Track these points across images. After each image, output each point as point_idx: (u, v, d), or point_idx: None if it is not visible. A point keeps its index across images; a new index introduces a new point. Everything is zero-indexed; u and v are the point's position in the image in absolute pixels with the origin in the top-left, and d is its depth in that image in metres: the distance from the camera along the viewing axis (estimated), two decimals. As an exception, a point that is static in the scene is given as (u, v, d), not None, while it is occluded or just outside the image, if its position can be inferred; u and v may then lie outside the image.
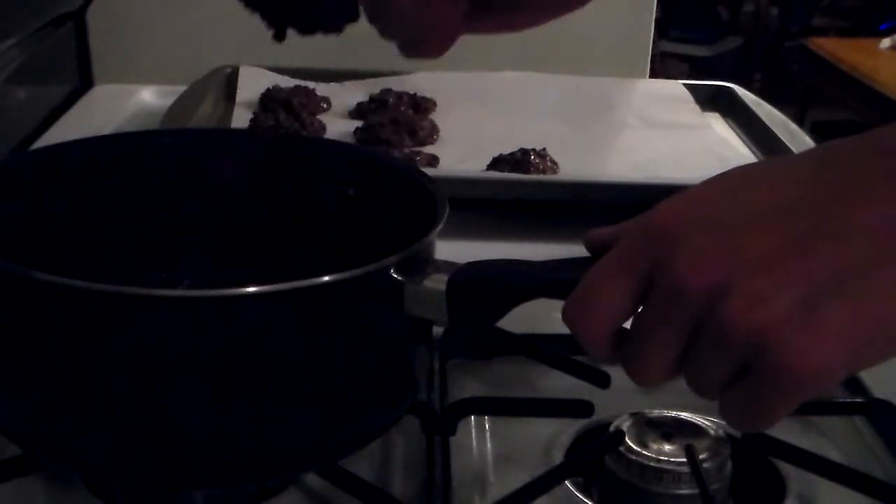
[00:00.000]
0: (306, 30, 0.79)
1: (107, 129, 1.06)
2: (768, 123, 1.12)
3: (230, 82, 1.18)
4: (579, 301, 0.46)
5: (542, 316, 0.52)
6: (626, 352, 0.46)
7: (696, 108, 1.18)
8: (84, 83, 1.28)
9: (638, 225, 0.45)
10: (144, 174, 0.66)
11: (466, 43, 0.66)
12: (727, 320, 0.41)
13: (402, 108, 1.11)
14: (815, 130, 1.63)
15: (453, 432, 0.61)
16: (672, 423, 0.57)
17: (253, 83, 1.16)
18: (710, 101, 1.21)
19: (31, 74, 1.11)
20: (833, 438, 0.63)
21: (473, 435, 0.62)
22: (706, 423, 0.57)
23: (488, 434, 0.62)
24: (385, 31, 0.63)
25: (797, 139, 1.07)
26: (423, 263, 0.51)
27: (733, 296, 0.41)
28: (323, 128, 1.07)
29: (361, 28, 0.65)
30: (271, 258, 0.65)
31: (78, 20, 1.26)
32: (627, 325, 0.46)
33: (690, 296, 0.42)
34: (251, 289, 0.47)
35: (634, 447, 0.55)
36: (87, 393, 0.49)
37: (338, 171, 0.65)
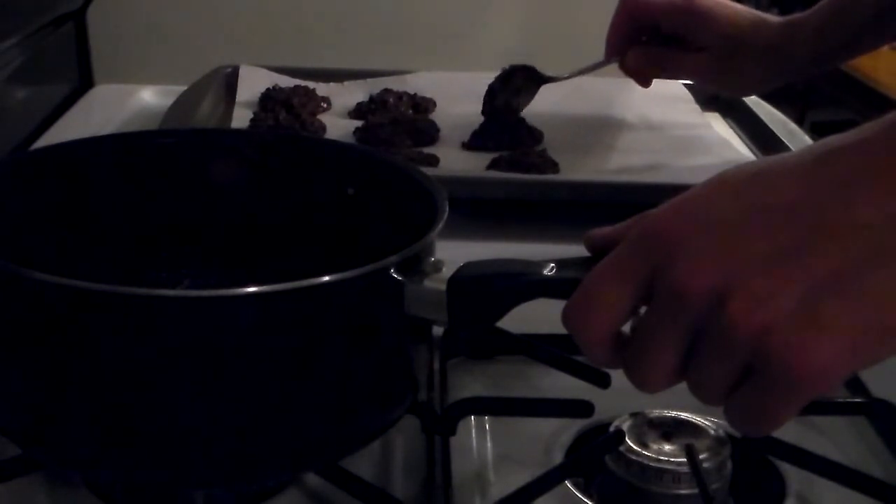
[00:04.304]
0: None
1: (107, 129, 1.06)
2: (768, 123, 1.12)
3: (230, 82, 1.18)
4: (579, 306, 0.46)
5: (542, 316, 0.52)
6: (628, 357, 0.46)
7: (697, 108, 1.18)
8: (84, 83, 1.28)
9: (637, 228, 0.45)
10: (144, 174, 0.66)
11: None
12: (728, 322, 0.41)
13: (402, 108, 1.11)
14: (814, 130, 1.63)
15: (453, 432, 0.61)
16: (672, 423, 0.57)
17: (253, 83, 1.15)
18: (710, 101, 1.21)
19: (31, 74, 1.11)
20: (833, 438, 0.63)
21: (473, 435, 0.62)
22: (706, 423, 0.57)
23: (488, 434, 0.62)
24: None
25: (797, 139, 1.07)
26: (423, 263, 0.51)
27: (734, 298, 0.41)
28: (323, 128, 1.07)
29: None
30: (271, 258, 0.65)
31: (78, 20, 1.26)
32: (627, 328, 0.46)
33: (691, 299, 0.42)
34: (251, 289, 0.47)
35: (634, 447, 0.55)
36: (87, 393, 0.49)
37: (338, 171, 0.65)
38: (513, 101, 1.07)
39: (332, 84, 1.18)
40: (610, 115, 1.14)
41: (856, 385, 0.65)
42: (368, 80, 1.19)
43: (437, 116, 1.11)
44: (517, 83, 1.07)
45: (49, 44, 1.17)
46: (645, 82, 1.06)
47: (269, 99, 1.11)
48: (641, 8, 1.01)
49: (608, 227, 0.49)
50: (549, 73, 1.07)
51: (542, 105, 1.09)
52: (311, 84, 1.16)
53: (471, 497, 0.57)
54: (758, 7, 1.02)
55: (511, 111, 1.07)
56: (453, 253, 0.53)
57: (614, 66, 1.04)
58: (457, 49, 1.49)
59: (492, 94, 1.07)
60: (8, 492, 0.55)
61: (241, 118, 1.08)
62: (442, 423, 0.61)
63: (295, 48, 1.43)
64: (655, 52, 1.02)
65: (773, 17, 1.00)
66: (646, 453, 0.55)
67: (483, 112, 1.07)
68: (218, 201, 0.66)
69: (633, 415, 0.57)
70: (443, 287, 0.50)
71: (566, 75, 1.06)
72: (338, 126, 1.08)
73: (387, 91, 1.14)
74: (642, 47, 1.02)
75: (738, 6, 1.00)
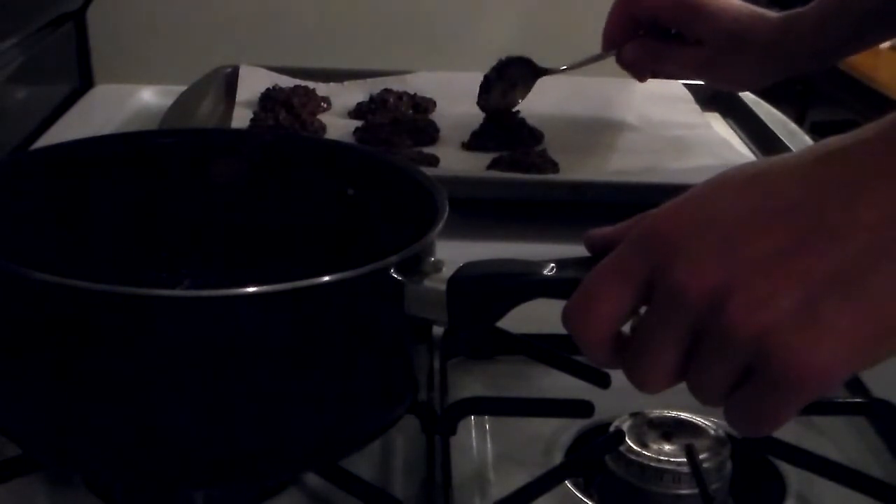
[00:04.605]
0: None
1: (107, 129, 1.06)
2: (768, 123, 1.12)
3: (230, 82, 1.18)
4: (579, 307, 0.46)
5: (542, 316, 0.52)
6: (628, 358, 0.46)
7: (697, 107, 1.18)
8: (84, 83, 1.28)
9: (637, 228, 0.45)
10: (144, 174, 0.66)
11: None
12: (728, 324, 0.41)
13: (402, 108, 1.11)
14: (814, 130, 1.63)
15: (453, 432, 0.61)
16: (672, 423, 0.57)
17: (253, 83, 1.15)
18: (710, 101, 1.21)
19: (31, 74, 1.11)
20: (833, 438, 0.63)
21: (473, 435, 0.62)
22: (706, 423, 0.57)
23: (488, 434, 0.62)
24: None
25: (797, 139, 1.07)
26: (423, 263, 0.51)
27: (734, 298, 0.41)
28: (323, 128, 1.07)
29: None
30: (271, 258, 0.65)
31: (78, 20, 1.26)
32: (627, 328, 0.46)
33: (690, 300, 0.42)
34: (251, 289, 0.47)
35: (634, 447, 0.55)
36: (87, 393, 0.49)
37: (338, 171, 0.65)
38: (509, 94, 1.07)
39: (332, 84, 1.18)
40: (610, 116, 1.14)
41: (856, 385, 0.65)
42: (368, 80, 1.19)
43: (437, 116, 1.11)
44: (513, 75, 1.07)
45: (49, 44, 1.17)
46: (642, 76, 1.05)
47: (269, 99, 1.11)
48: (639, 1, 1.00)
49: (608, 227, 0.49)
50: (546, 66, 1.07)
51: (543, 105, 1.09)
52: (311, 84, 1.16)
53: (471, 497, 0.57)
54: (757, 3, 1.02)
55: (507, 104, 1.07)
56: (453, 253, 0.53)
57: (612, 64, 1.04)
58: (457, 49, 1.49)
59: (487, 84, 1.07)
60: (8, 492, 0.55)
61: (241, 118, 1.08)
62: (442, 423, 0.61)
63: (295, 48, 1.43)
64: (653, 46, 1.02)
65: (771, 13, 1.00)
66: (646, 453, 0.55)
67: (478, 103, 1.07)
68: (218, 201, 0.66)
69: (633, 415, 0.57)
70: (443, 287, 0.50)
71: (563, 67, 1.06)
72: (338, 126, 1.08)
73: (387, 91, 1.14)
74: (640, 40, 1.02)
75: (737, 1, 1.00)
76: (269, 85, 1.14)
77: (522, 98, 1.08)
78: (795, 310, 0.41)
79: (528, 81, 1.07)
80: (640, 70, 1.04)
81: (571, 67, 1.05)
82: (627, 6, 1.01)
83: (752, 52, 0.98)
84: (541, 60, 1.08)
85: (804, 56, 0.98)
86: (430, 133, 1.06)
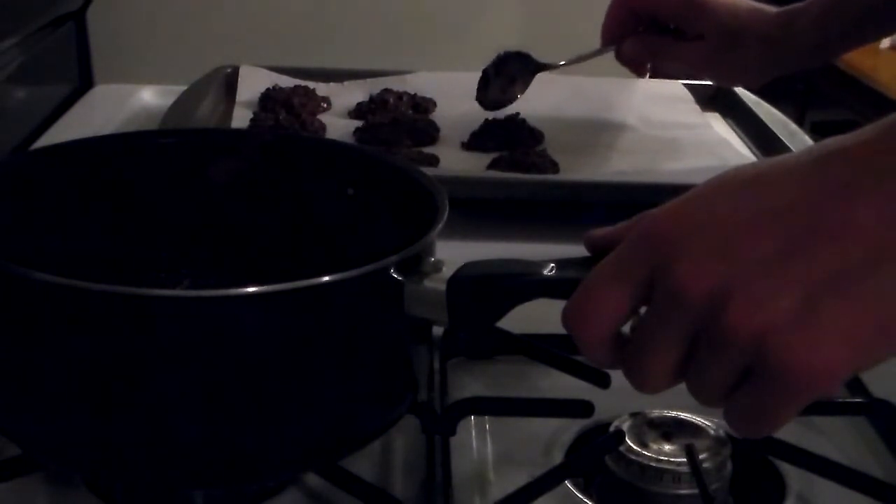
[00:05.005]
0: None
1: (107, 129, 1.06)
2: (768, 123, 1.11)
3: (230, 82, 1.18)
4: (578, 307, 0.46)
5: (542, 316, 0.52)
6: (627, 358, 0.46)
7: (696, 107, 1.18)
8: (84, 83, 1.28)
9: (637, 229, 0.45)
10: (144, 174, 0.66)
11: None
12: (728, 325, 0.41)
13: (402, 108, 1.11)
14: (814, 130, 1.63)
15: (453, 432, 0.61)
16: (672, 423, 0.57)
17: (253, 83, 1.15)
18: (710, 101, 1.21)
19: (31, 74, 1.11)
20: (833, 438, 0.63)
21: (473, 435, 0.62)
22: (706, 423, 0.57)
23: (488, 434, 0.62)
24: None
25: (797, 139, 1.07)
26: (423, 263, 0.51)
27: (733, 300, 0.41)
28: (323, 128, 1.07)
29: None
30: (271, 258, 0.65)
31: (78, 20, 1.26)
32: (627, 328, 0.46)
33: (690, 301, 0.42)
34: (251, 289, 0.47)
35: (634, 447, 0.55)
36: (87, 393, 0.49)
37: (338, 171, 0.65)
38: (507, 89, 1.07)
39: (332, 84, 1.18)
40: (610, 116, 1.14)
41: (856, 385, 0.65)
42: (368, 80, 1.19)
43: (437, 116, 1.11)
44: (512, 70, 1.07)
45: (49, 44, 1.17)
46: (641, 72, 1.05)
47: (269, 99, 1.11)
48: None
49: (608, 227, 0.49)
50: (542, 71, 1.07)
51: (543, 105, 1.09)
52: (311, 84, 1.16)
53: (471, 497, 0.57)
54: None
55: (505, 99, 1.07)
56: (453, 253, 0.53)
57: (612, 63, 1.04)
58: (457, 49, 1.49)
59: (486, 78, 1.07)
60: (8, 492, 0.55)
61: (241, 118, 1.08)
62: (442, 423, 0.61)
63: (295, 48, 1.43)
64: (651, 41, 1.01)
65: (771, 8, 1.00)
66: (646, 453, 0.55)
67: (477, 98, 1.07)
68: (218, 201, 0.66)
69: (633, 415, 0.57)
70: (443, 287, 0.50)
71: (562, 63, 1.06)
72: (338, 126, 1.08)
73: (387, 91, 1.14)
74: (638, 36, 1.01)
75: None
76: (269, 85, 1.14)
77: (521, 93, 1.07)
78: (795, 310, 0.41)
79: (526, 76, 1.07)
80: (639, 66, 1.04)
81: (570, 62, 1.05)
82: (626, 1, 1.01)
83: (751, 47, 0.98)
84: (541, 59, 1.08)
85: (804, 51, 0.98)
86: (430, 133, 1.06)
